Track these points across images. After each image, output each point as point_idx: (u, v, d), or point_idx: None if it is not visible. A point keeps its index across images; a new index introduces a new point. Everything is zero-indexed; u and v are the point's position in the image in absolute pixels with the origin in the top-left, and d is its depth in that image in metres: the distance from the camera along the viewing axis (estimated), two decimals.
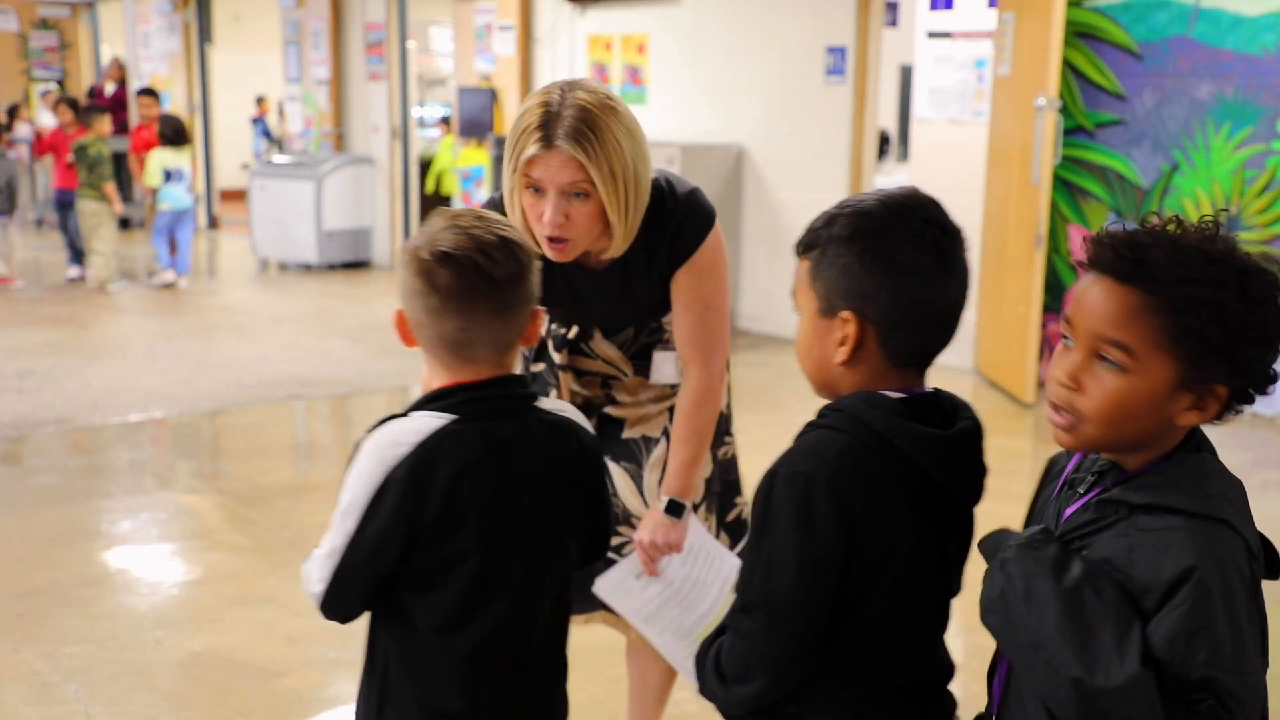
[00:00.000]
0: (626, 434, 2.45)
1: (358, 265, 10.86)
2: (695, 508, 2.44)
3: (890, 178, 10.75)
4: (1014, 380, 6.33)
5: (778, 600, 1.40)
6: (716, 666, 1.49)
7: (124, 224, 12.61)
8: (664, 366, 2.42)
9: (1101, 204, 6.47)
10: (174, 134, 9.50)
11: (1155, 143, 6.25)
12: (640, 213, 2.15)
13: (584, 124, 2.02)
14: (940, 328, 1.47)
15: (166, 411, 6.00)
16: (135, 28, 14.13)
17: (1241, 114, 5.94)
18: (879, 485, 1.40)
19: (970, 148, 8.26)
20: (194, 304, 9.13)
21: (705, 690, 1.51)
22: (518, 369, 2.15)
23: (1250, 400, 1.35)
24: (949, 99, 8.72)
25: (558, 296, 2.31)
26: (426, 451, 1.61)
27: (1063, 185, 6.55)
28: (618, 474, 2.43)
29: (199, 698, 3.22)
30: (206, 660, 3.43)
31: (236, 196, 13.21)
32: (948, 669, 1.55)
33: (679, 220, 2.22)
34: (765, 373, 6.91)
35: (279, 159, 11.46)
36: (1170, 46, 6.14)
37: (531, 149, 2.04)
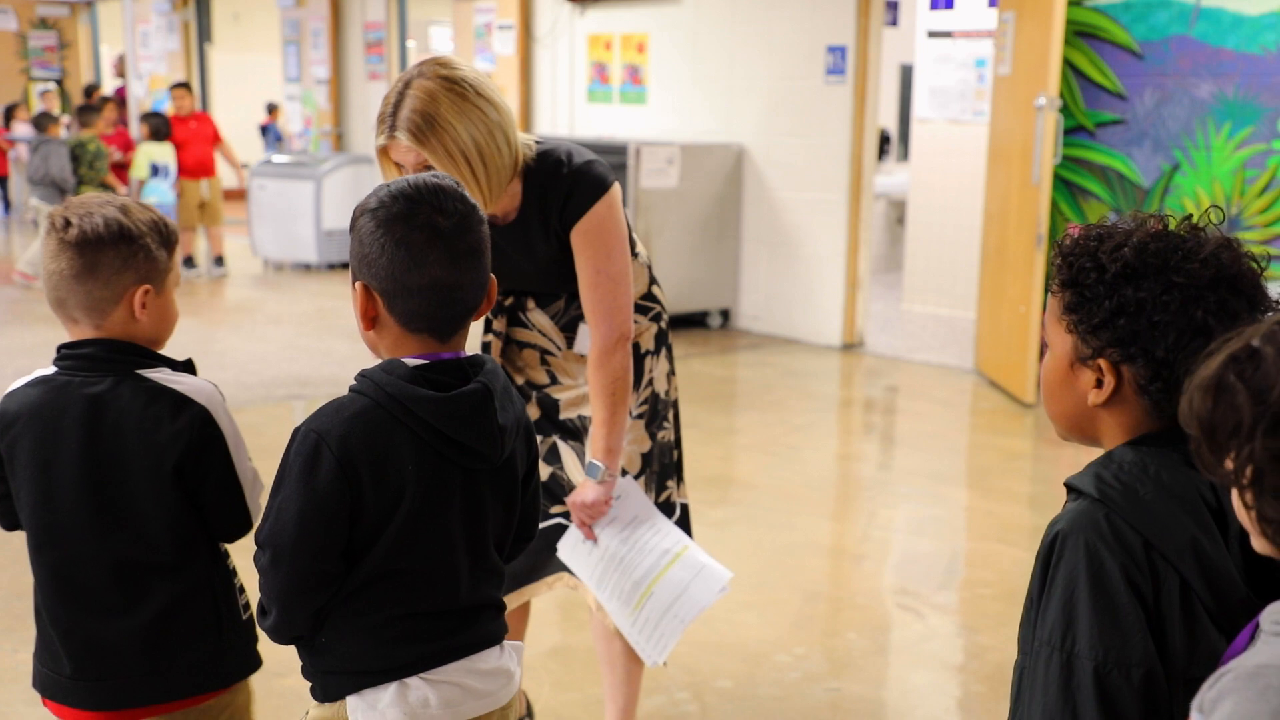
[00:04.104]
0: (563, 415, 2.63)
1: None
2: (636, 478, 2.60)
3: (891, 177, 10.76)
4: (1014, 380, 6.32)
5: (281, 541, 1.57)
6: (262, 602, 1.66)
7: None
8: (585, 338, 2.57)
9: (1102, 204, 6.46)
10: (158, 130, 9.84)
11: (1156, 142, 6.25)
12: (497, 179, 2.31)
13: (417, 114, 2.22)
14: (437, 298, 1.60)
15: None
16: (134, 27, 14.14)
17: (1242, 113, 5.94)
18: (388, 442, 1.57)
19: (970, 147, 8.26)
20: (193, 303, 9.13)
21: (259, 624, 1.68)
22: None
23: (1161, 380, 1.33)
24: (949, 98, 8.72)
25: None
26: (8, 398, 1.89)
27: (1063, 185, 6.55)
28: (565, 452, 2.63)
29: None
30: None
31: (236, 196, 13.21)
32: (482, 600, 1.69)
33: (569, 186, 2.42)
34: (765, 373, 6.90)
35: (279, 159, 11.46)
36: (1171, 46, 6.14)
37: (380, 139, 2.28)
